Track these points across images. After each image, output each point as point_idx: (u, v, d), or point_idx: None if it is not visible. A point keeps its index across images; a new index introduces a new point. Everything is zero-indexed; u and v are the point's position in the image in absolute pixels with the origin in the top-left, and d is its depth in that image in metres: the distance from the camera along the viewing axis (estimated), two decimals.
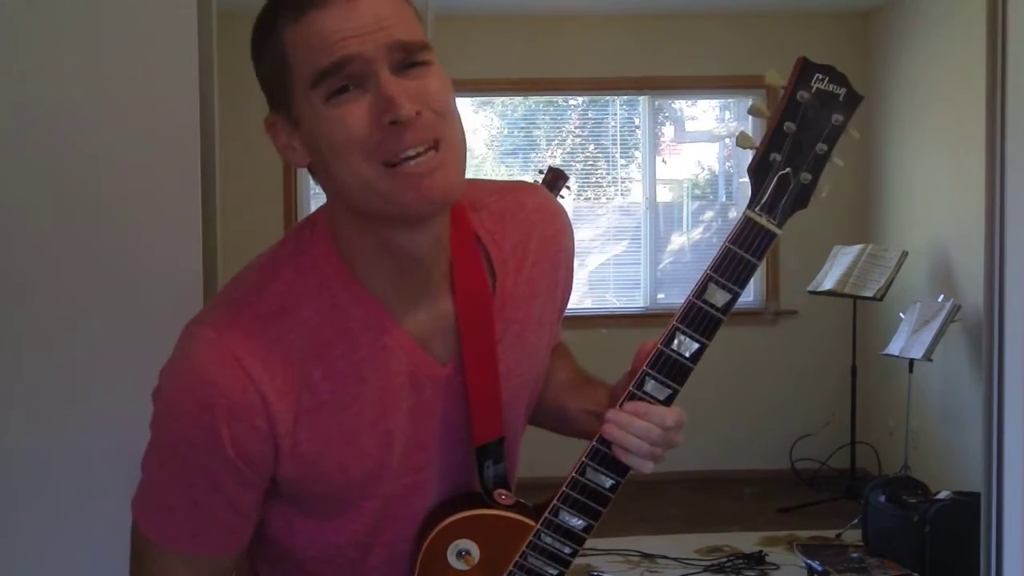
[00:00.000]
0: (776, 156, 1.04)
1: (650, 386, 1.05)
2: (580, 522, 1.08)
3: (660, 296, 5.70)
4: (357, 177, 0.96)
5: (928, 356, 4.33)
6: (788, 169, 1.04)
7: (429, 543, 1.09)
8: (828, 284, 4.93)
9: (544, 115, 5.86)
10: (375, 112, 0.94)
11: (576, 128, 5.82)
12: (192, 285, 1.75)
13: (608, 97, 5.74)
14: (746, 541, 4.41)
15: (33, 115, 1.73)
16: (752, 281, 4.69)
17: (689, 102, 5.93)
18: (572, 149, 5.79)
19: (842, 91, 1.03)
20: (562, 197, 4.34)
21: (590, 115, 5.82)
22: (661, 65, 5.50)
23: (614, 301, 5.73)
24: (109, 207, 1.75)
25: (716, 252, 1.05)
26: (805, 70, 1.03)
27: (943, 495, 3.86)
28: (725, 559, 4.21)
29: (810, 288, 5.05)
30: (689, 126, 6.02)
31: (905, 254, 4.77)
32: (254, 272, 1.07)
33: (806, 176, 1.05)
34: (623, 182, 5.81)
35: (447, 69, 1.06)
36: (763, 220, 1.04)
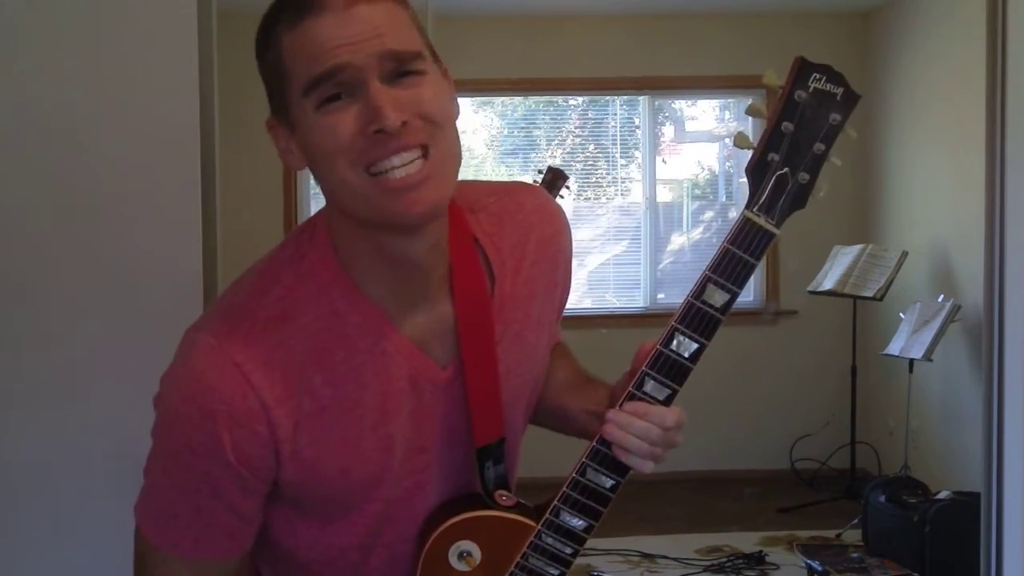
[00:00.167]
0: (774, 156, 1.04)
1: (650, 386, 1.06)
2: (581, 522, 1.08)
3: (660, 296, 5.70)
4: (345, 184, 0.97)
5: (928, 356, 4.33)
6: (786, 169, 1.04)
7: (431, 545, 1.09)
8: (828, 284, 4.93)
9: (544, 115, 5.86)
10: (362, 121, 0.94)
11: (576, 128, 5.82)
12: (192, 286, 1.75)
13: (608, 97, 5.74)
14: (746, 541, 4.41)
15: (33, 115, 1.73)
16: (752, 281, 4.71)
17: (689, 102, 5.93)
18: (572, 149, 5.79)
19: (839, 91, 1.03)
20: (561, 197, 4.34)
21: (590, 115, 5.82)
22: (661, 65, 5.50)
23: (614, 301, 5.73)
24: (109, 207, 1.75)
25: (714, 252, 1.05)
26: (803, 70, 1.03)
27: (943, 495, 3.86)
28: (725, 559, 4.21)
29: (810, 288, 5.05)
30: (689, 126, 6.02)
31: (905, 254, 4.77)
32: (254, 277, 1.08)
33: (804, 176, 1.05)
34: (623, 182, 5.81)
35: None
36: (761, 220, 1.05)
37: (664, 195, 5.82)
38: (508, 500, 1.12)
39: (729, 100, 5.78)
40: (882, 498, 4.00)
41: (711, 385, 5.21)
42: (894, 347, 4.53)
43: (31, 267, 1.74)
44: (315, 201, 5.46)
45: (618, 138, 5.78)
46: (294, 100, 0.98)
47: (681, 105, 5.95)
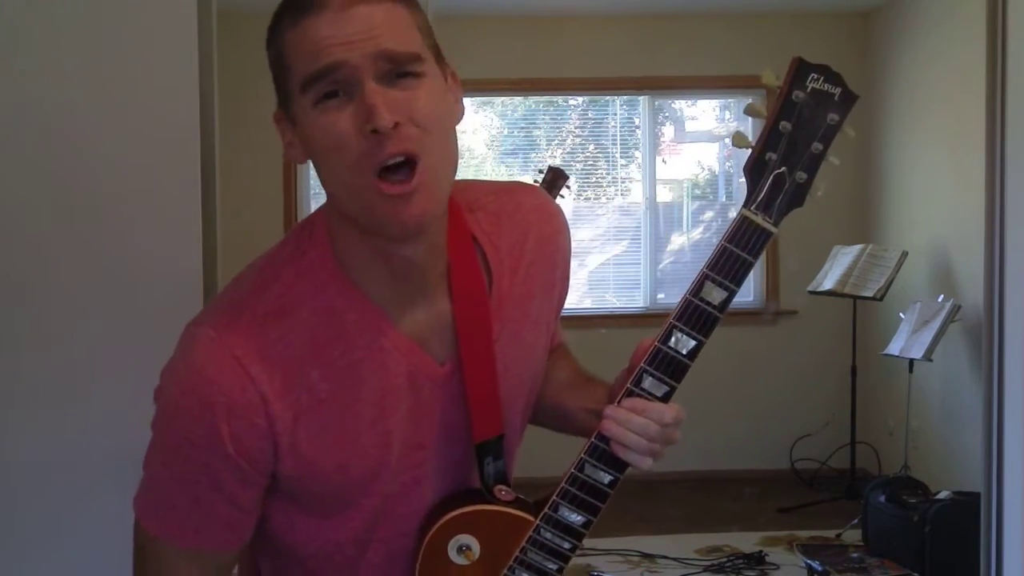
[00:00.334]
0: (772, 155, 1.04)
1: (648, 383, 1.06)
2: (579, 518, 1.09)
3: (660, 296, 5.70)
4: (341, 183, 0.99)
5: (928, 356, 4.33)
6: (784, 168, 1.04)
7: (430, 539, 1.10)
8: (828, 284, 4.93)
9: (544, 115, 5.86)
10: (358, 120, 0.95)
11: (576, 128, 5.82)
12: (192, 285, 1.75)
13: (608, 97, 5.74)
14: (746, 541, 4.41)
15: (33, 115, 1.73)
16: (752, 281, 4.70)
17: (689, 102, 5.93)
18: (572, 149, 5.79)
19: (837, 90, 1.03)
20: (562, 197, 4.34)
21: (590, 115, 5.82)
22: (661, 65, 5.50)
23: (614, 301, 5.73)
24: (109, 207, 1.75)
25: (712, 250, 1.06)
26: (800, 70, 1.03)
27: (943, 495, 3.86)
28: (725, 559, 4.21)
29: (810, 288, 5.05)
30: (689, 126, 6.02)
31: (905, 254, 4.77)
32: (254, 274, 1.09)
33: (802, 175, 1.05)
34: (623, 182, 5.81)
35: None
36: (759, 219, 1.05)
37: (664, 195, 5.82)
38: (507, 495, 1.13)
39: (729, 100, 5.78)
40: (882, 498, 4.00)
41: (711, 385, 5.21)
42: (894, 347, 4.53)
43: (31, 267, 1.74)
44: (315, 201, 5.45)
45: (618, 138, 5.78)
46: (294, 95, 0.99)
47: (681, 105, 5.95)
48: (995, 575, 2.11)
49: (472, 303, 1.10)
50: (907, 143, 5.15)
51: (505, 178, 5.66)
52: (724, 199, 5.86)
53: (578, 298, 5.59)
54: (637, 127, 5.76)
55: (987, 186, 2.14)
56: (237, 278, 1.10)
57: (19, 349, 1.75)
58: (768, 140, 1.04)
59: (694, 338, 1.05)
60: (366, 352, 1.05)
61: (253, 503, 1.08)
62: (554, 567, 1.11)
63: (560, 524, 1.09)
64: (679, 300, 1.06)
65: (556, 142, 5.79)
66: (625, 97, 5.72)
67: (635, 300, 5.72)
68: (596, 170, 5.80)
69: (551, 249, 1.19)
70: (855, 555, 4.00)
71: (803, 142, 1.04)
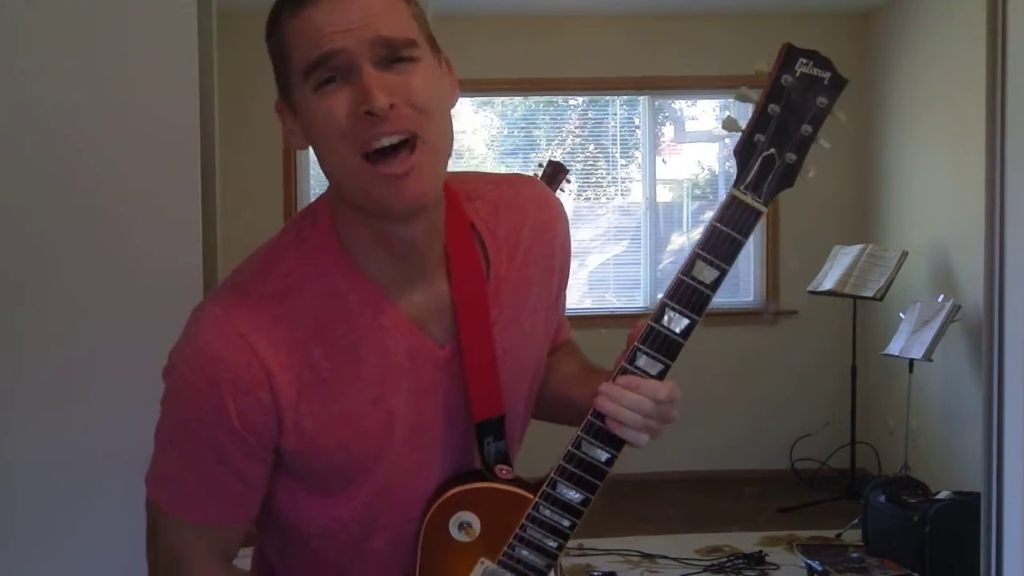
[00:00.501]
0: (760, 137, 1.06)
1: (642, 361, 1.08)
2: (578, 495, 1.10)
3: (660, 296, 5.68)
4: (342, 167, 1.03)
5: (928, 356, 4.33)
6: (773, 150, 1.06)
7: (431, 516, 1.12)
8: (828, 284, 4.93)
9: (544, 115, 5.86)
10: (354, 102, 0.99)
11: (576, 128, 5.82)
12: (192, 285, 1.75)
13: (608, 97, 5.74)
14: (746, 541, 4.41)
15: (33, 115, 1.73)
16: (752, 281, 4.69)
17: (689, 102, 5.93)
18: (572, 149, 5.78)
19: (827, 75, 1.05)
20: (562, 191, 4.35)
21: (590, 115, 5.82)
22: (661, 65, 5.50)
23: (614, 301, 5.73)
24: (109, 207, 1.75)
25: (703, 229, 1.08)
26: (789, 55, 1.05)
27: (943, 495, 3.86)
28: (725, 559, 4.21)
29: (810, 288, 5.05)
30: (689, 126, 6.02)
31: (905, 254, 4.77)
32: (258, 259, 1.12)
33: (791, 156, 1.06)
34: (623, 182, 5.81)
35: None
36: (748, 198, 1.06)
37: (664, 195, 5.82)
38: (508, 474, 1.14)
39: (729, 100, 5.78)
40: (882, 498, 4.00)
41: (711, 385, 5.21)
42: (894, 347, 4.53)
43: (31, 267, 1.74)
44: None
45: (618, 138, 5.78)
46: (295, 83, 1.03)
47: (681, 105, 5.95)
48: (995, 575, 2.11)
49: (470, 286, 1.13)
50: (907, 143, 5.15)
51: None
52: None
53: (578, 298, 5.59)
54: (637, 127, 5.76)
55: (987, 186, 2.14)
56: (241, 265, 1.13)
57: (19, 349, 1.75)
58: (757, 122, 1.06)
59: (687, 316, 1.07)
60: (366, 331, 1.08)
61: (260, 479, 1.10)
62: (554, 544, 1.12)
63: (559, 501, 1.10)
64: (672, 279, 1.09)
65: (556, 142, 5.79)
66: (625, 97, 5.72)
67: (635, 300, 5.72)
68: (596, 170, 5.80)
69: (548, 236, 1.22)
70: (855, 555, 4.00)
71: (793, 124, 1.06)
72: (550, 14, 5.40)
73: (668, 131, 5.98)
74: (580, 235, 5.58)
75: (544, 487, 1.11)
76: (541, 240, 1.21)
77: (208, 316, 1.07)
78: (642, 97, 5.68)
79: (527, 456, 1.32)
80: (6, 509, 1.75)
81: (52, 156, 1.74)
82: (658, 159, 5.77)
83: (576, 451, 1.09)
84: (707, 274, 1.07)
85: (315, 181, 5.61)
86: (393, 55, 1.00)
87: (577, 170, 5.68)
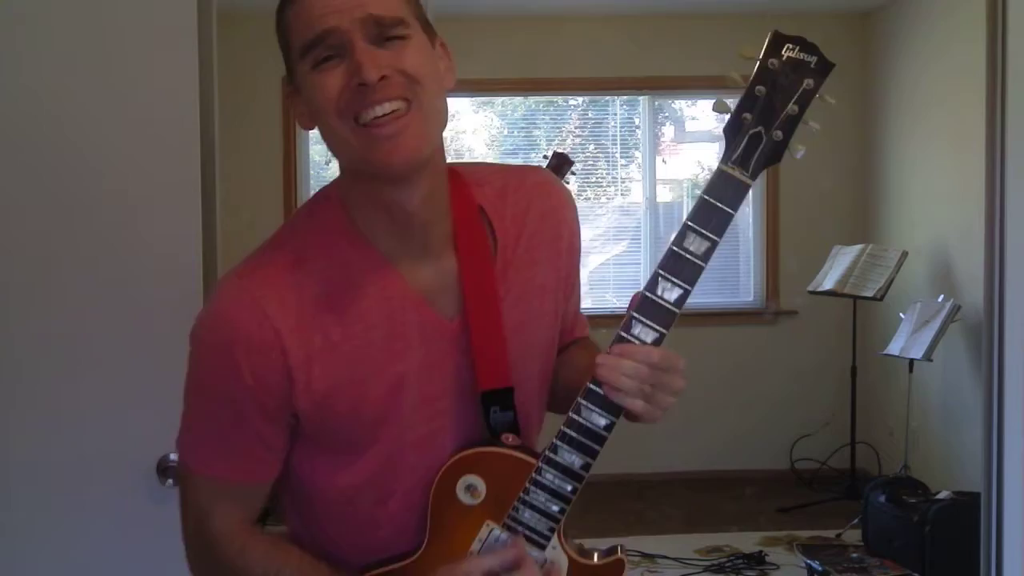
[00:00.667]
0: (748, 116, 1.12)
1: (638, 330, 1.12)
2: (578, 460, 1.14)
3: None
4: (337, 135, 1.09)
5: (928, 356, 4.33)
6: (760, 127, 1.11)
7: (440, 479, 1.17)
8: (828, 284, 4.93)
9: (544, 115, 5.86)
10: (347, 76, 1.06)
11: (576, 128, 5.82)
12: (192, 285, 1.75)
13: (608, 97, 5.74)
14: (746, 541, 4.41)
15: (33, 115, 1.73)
16: (752, 281, 4.69)
17: (689, 102, 5.93)
18: (572, 149, 5.78)
19: (813, 59, 1.12)
20: (567, 182, 4.37)
21: (590, 115, 5.82)
22: (661, 65, 5.50)
23: (614, 301, 5.73)
24: (109, 207, 1.75)
25: (694, 203, 1.13)
26: (776, 40, 1.14)
27: (943, 495, 3.86)
28: (725, 559, 4.21)
29: (810, 288, 5.05)
30: (689, 126, 6.03)
31: (905, 254, 4.77)
32: (275, 237, 1.21)
33: (778, 134, 1.11)
34: (623, 182, 5.81)
35: None
36: (736, 172, 1.11)
37: (664, 195, 5.82)
38: (513, 441, 1.19)
39: (729, 100, 5.77)
40: (882, 498, 4.00)
41: (711, 385, 5.21)
42: (894, 347, 4.54)
43: (31, 267, 1.74)
44: None
45: (618, 138, 5.78)
46: (297, 65, 1.10)
47: (681, 105, 5.95)
48: (995, 575, 2.11)
49: (477, 263, 1.19)
50: (907, 143, 5.15)
51: None
52: None
53: None
54: (637, 127, 5.76)
55: (987, 186, 2.14)
56: (259, 246, 1.21)
57: (19, 348, 1.75)
58: (744, 102, 1.13)
59: (679, 286, 1.12)
60: (376, 301, 1.14)
61: (277, 440, 1.17)
62: (556, 508, 1.15)
63: (560, 466, 1.14)
64: (665, 251, 1.14)
65: (556, 142, 5.79)
66: (625, 97, 5.72)
67: None
68: (596, 170, 5.80)
69: (554, 220, 1.27)
70: (855, 555, 4.00)
71: (779, 104, 1.11)
72: (550, 14, 5.40)
73: (668, 131, 5.98)
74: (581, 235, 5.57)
75: (546, 451, 1.15)
76: (547, 223, 1.26)
77: (226, 284, 1.16)
78: (642, 97, 5.68)
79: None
80: (6, 509, 1.75)
81: (52, 156, 1.74)
82: (658, 159, 5.77)
83: (577, 417, 1.13)
84: (698, 245, 1.11)
85: (315, 181, 5.61)
86: (385, 33, 1.07)
87: (577, 170, 5.68)
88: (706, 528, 4.64)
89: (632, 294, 1.15)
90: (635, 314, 1.13)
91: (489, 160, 5.77)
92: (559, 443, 1.14)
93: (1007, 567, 2.09)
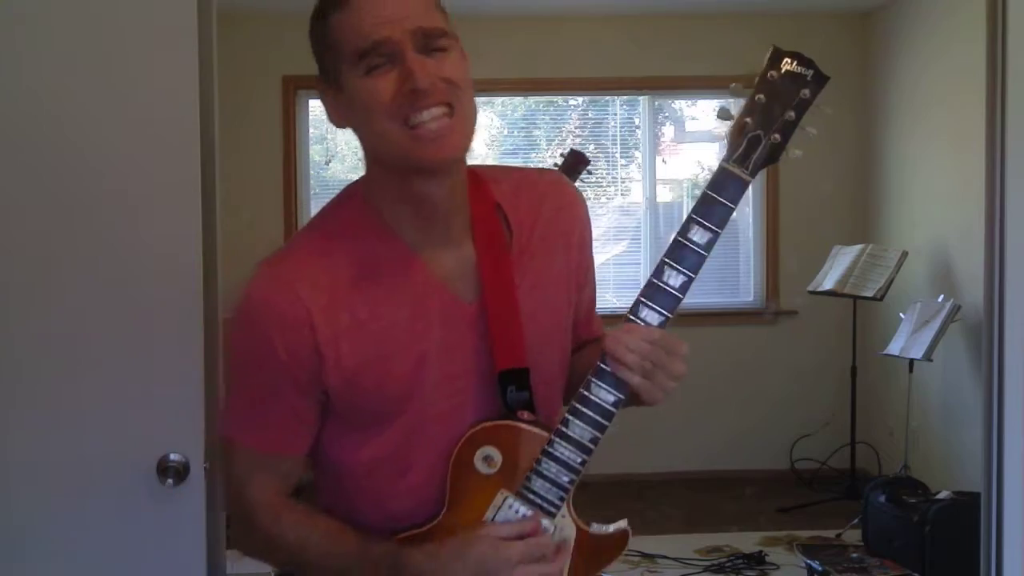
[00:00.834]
0: (749, 120, 1.24)
1: (644, 313, 1.24)
2: (588, 434, 1.24)
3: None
4: (385, 135, 1.20)
5: (928, 356, 4.33)
6: (759, 131, 1.23)
7: (459, 449, 1.27)
8: (828, 284, 4.93)
9: (544, 115, 5.86)
10: (400, 82, 1.17)
11: (576, 128, 5.82)
12: (192, 285, 1.75)
13: (608, 97, 5.74)
14: (746, 541, 4.41)
15: (33, 115, 1.73)
16: (752, 281, 4.70)
17: (689, 102, 5.93)
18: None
19: (809, 72, 1.24)
20: (582, 181, 4.40)
21: (590, 115, 5.82)
22: (661, 65, 5.50)
23: (614, 301, 5.72)
24: (108, 207, 1.75)
25: (697, 198, 1.24)
26: (775, 55, 1.25)
27: (943, 495, 3.86)
28: (725, 559, 4.21)
29: (810, 288, 5.05)
30: (689, 126, 6.03)
31: (905, 254, 4.77)
32: (304, 229, 1.34)
33: (776, 137, 1.23)
34: (623, 182, 5.81)
35: None
36: (736, 169, 1.23)
37: (664, 195, 5.82)
38: (528, 417, 1.28)
39: (729, 100, 5.77)
40: (882, 498, 4.00)
41: (711, 385, 5.21)
42: (894, 347, 4.54)
43: (31, 267, 1.74)
44: (315, 201, 5.45)
45: (618, 138, 5.79)
46: (344, 67, 1.20)
47: (681, 105, 5.95)
48: (995, 575, 2.11)
49: (494, 250, 1.29)
50: (907, 143, 5.15)
51: None
52: None
53: None
54: (637, 127, 5.76)
55: (987, 186, 2.14)
56: (288, 241, 1.34)
57: (19, 348, 1.75)
58: (746, 109, 1.25)
59: (683, 274, 1.23)
60: (399, 285, 1.25)
61: (310, 415, 1.28)
62: (567, 479, 1.25)
63: (571, 439, 1.24)
64: (670, 241, 1.24)
65: (556, 142, 5.79)
66: (625, 97, 5.72)
67: None
68: (596, 170, 5.79)
69: (567, 216, 1.38)
70: (855, 555, 4.00)
71: (777, 110, 1.23)
72: (550, 14, 5.40)
73: (668, 131, 5.99)
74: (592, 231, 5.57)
75: (558, 425, 1.24)
76: (560, 218, 1.37)
77: (263, 272, 1.26)
78: (642, 97, 5.69)
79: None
80: (5, 509, 1.75)
81: (52, 156, 1.74)
82: (658, 159, 5.77)
83: (587, 393, 1.24)
84: (700, 236, 1.23)
85: (315, 181, 5.61)
86: (431, 44, 1.18)
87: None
88: (706, 528, 4.64)
89: (637, 293, 1.24)
90: (642, 298, 1.23)
91: (489, 161, 5.77)
92: (570, 417, 1.24)
93: (1007, 567, 2.09)
